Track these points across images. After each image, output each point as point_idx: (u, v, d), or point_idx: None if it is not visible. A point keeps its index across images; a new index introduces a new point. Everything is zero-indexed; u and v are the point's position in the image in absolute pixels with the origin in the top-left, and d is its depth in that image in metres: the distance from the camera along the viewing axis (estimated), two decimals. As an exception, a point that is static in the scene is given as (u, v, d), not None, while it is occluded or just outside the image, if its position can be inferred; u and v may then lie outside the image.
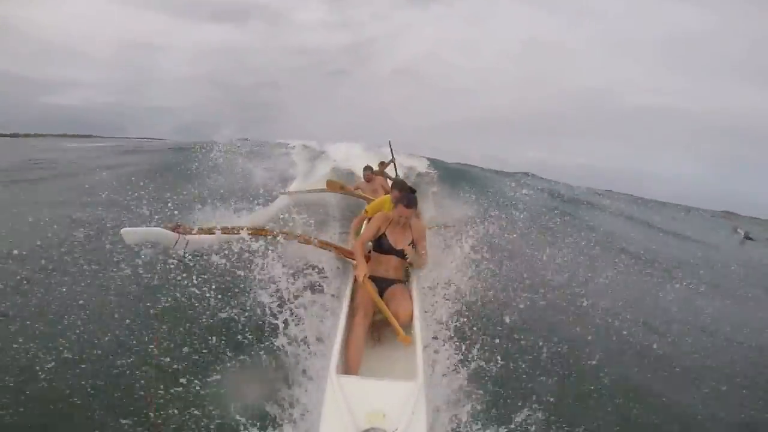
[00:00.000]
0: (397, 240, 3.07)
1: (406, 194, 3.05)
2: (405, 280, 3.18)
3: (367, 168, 7.36)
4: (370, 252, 3.24)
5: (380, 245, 3.10)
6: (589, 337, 3.85)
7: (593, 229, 10.68)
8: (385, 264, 3.08)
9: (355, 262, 3.07)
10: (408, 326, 2.71)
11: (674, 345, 4.36)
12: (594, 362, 3.38)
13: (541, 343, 3.46)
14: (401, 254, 3.07)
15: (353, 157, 12.86)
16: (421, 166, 14.06)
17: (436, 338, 3.00)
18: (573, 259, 6.62)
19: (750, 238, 21.01)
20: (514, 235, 6.79)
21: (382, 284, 3.00)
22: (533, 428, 2.48)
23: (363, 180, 7.32)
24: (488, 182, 14.04)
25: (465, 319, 3.30)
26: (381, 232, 3.09)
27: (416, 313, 2.77)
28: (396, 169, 8.64)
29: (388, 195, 4.39)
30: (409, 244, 3.08)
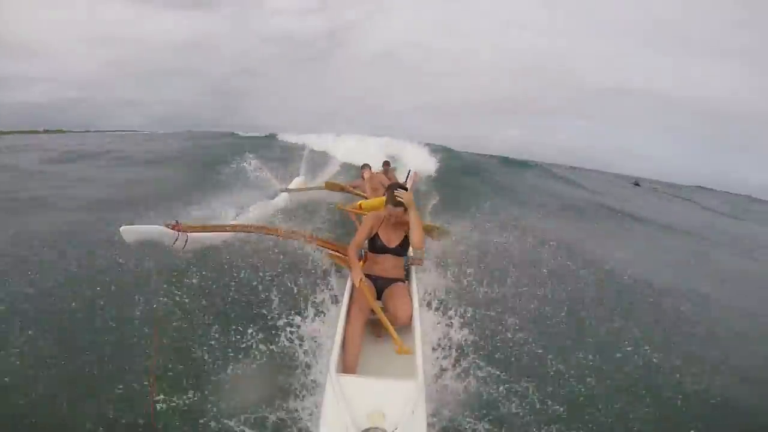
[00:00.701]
0: (390, 238, 3.06)
1: (392, 192, 2.97)
2: (404, 279, 3.16)
3: (366, 165, 7.18)
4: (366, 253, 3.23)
5: (374, 245, 3.09)
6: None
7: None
8: (381, 264, 3.07)
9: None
10: (407, 326, 2.72)
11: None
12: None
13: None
14: (396, 252, 3.07)
15: (360, 145, 13.68)
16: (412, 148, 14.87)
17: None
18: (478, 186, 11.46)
19: (637, 185, 27.22)
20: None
21: (380, 284, 3.00)
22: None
23: (362, 178, 7.08)
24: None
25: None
26: (374, 232, 3.08)
27: (416, 313, 2.77)
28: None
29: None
30: (400, 243, 3.07)
